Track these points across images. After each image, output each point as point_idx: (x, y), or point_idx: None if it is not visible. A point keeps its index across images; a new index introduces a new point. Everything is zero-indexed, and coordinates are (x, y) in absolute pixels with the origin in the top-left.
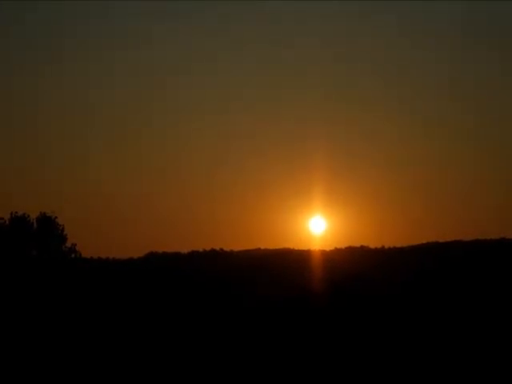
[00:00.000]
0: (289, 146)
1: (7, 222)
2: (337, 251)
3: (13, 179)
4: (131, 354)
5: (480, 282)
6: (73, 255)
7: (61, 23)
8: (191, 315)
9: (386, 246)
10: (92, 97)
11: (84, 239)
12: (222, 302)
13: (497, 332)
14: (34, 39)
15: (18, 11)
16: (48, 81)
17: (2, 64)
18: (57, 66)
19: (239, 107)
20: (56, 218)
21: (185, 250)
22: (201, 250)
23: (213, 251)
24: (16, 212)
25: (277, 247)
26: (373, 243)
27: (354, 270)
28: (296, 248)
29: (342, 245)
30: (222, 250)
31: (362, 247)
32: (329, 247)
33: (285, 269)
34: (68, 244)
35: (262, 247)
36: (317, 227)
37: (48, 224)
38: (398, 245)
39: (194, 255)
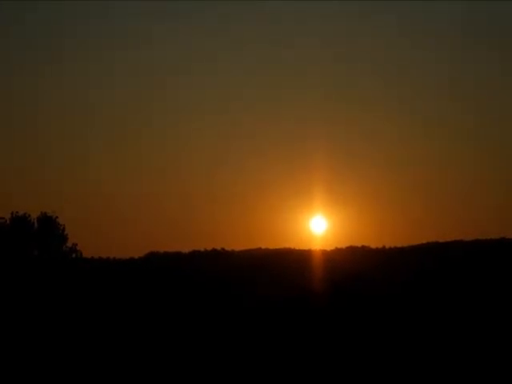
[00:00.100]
0: (289, 145)
1: (8, 222)
2: (337, 251)
3: (13, 179)
4: (132, 354)
5: (480, 282)
6: (73, 255)
7: (61, 23)
8: (192, 315)
9: (387, 246)
10: (92, 97)
11: (85, 239)
12: (222, 301)
13: (497, 332)
14: (34, 39)
15: (18, 11)
16: (48, 81)
17: (2, 64)
18: (57, 66)
19: (239, 107)
20: (57, 217)
21: (186, 249)
22: (202, 249)
23: (214, 251)
24: (17, 212)
25: (277, 247)
26: (373, 243)
27: (354, 269)
28: (297, 248)
29: (343, 245)
30: (223, 249)
31: (362, 247)
32: (329, 247)
33: (285, 269)
34: (69, 244)
35: (263, 247)
36: (317, 227)
37: (49, 224)
38: (399, 245)
39: (195, 255)
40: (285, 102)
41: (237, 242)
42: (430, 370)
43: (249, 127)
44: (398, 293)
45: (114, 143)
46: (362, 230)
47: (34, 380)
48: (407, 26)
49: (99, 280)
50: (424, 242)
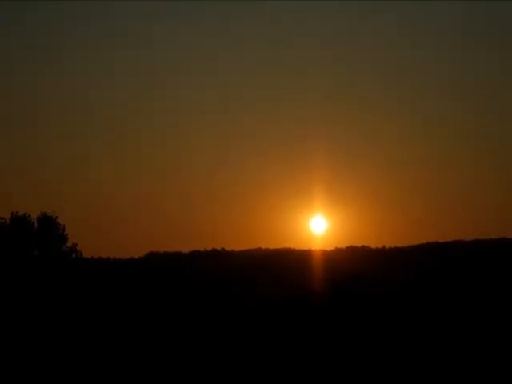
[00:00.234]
0: (289, 145)
1: (8, 222)
2: (337, 251)
3: (13, 179)
4: (132, 354)
5: (480, 282)
6: (73, 255)
7: (61, 23)
8: (192, 315)
9: (387, 246)
10: (92, 97)
11: (85, 239)
12: (222, 301)
13: (497, 332)
14: (34, 39)
15: (18, 11)
16: (48, 81)
17: (2, 64)
18: (57, 66)
19: (239, 107)
20: (57, 217)
21: (186, 249)
22: (202, 249)
23: (214, 251)
24: (17, 212)
25: (277, 247)
26: (373, 243)
27: (354, 269)
28: (297, 248)
29: (343, 245)
30: (223, 249)
31: (362, 247)
32: (329, 247)
33: (285, 269)
34: (69, 244)
35: (263, 247)
36: (317, 227)
37: (49, 224)
38: (399, 245)
39: (195, 255)
40: (285, 102)
41: (237, 242)
42: (430, 370)
43: (249, 127)
44: (398, 293)
45: (114, 143)
46: (361, 230)
47: (35, 380)
48: (407, 25)
49: (99, 280)
50: (424, 241)
